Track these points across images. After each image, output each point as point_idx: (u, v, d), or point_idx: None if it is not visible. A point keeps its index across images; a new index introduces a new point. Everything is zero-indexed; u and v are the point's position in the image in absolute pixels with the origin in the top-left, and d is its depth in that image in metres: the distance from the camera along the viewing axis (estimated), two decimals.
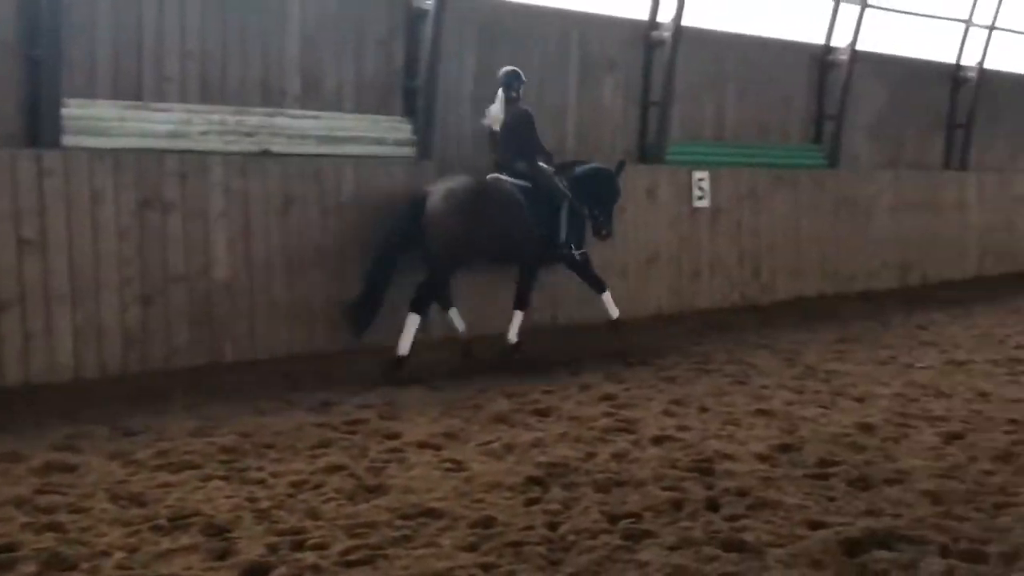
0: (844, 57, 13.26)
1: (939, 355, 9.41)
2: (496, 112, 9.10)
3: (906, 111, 14.81)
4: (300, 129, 8.92)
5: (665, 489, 5.17)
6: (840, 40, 13.30)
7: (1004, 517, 4.82)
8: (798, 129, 13.44)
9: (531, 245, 8.95)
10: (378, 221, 8.82)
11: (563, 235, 9.08)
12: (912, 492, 5.19)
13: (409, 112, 9.59)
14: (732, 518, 4.79)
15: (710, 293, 11.84)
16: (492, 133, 9.18)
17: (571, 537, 4.51)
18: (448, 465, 5.60)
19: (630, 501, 4.99)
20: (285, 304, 8.57)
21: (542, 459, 5.66)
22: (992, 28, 15.16)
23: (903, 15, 14.19)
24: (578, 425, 6.53)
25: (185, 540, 4.41)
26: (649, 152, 11.44)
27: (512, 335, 8.90)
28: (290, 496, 5.04)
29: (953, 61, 15.30)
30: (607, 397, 7.39)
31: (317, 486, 5.19)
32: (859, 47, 13.31)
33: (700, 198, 11.58)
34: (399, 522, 4.66)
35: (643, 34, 11.33)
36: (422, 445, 6.02)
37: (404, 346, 8.17)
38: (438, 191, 8.53)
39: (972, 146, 15.61)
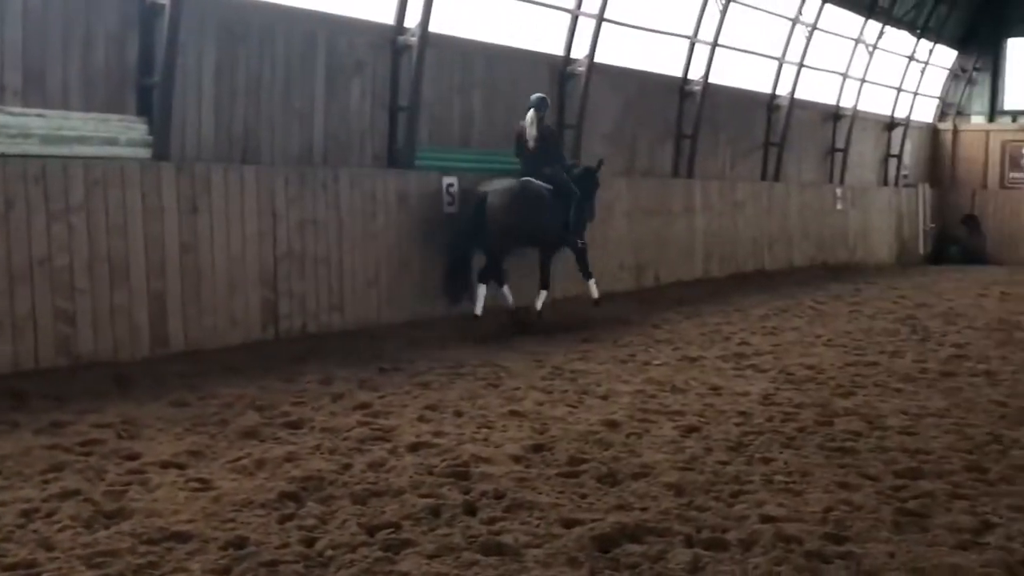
0: (582, 68, 13.79)
1: (673, 352, 9.96)
2: (528, 128, 11.51)
3: (639, 121, 15.61)
4: (22, 127, 8.19)
5: (423, 496, 5.14)
6: (579, 52, 13.82)
7: (740, 505, 5.14)
8: None
9: (555, 234, 11.48)
10: (112, 227, 8.31)
11: (573, 226, 11.62)
12: (656, 485, 5.43)
13: (144, 111, 9.05)
14: (490, 521, 4.83)
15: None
16: (521, 143, 11.62)
17: (329, 552, 4.39)
18: (195, 485, 5.31)
19: (388, 511, 4.93)
20: (3, 316, 7.85)
21: (295, 473, 5.48)
22: (715, 45, 16.26)
23: (636, 30, 14.95)
24: (332, 436, 6.39)
25: None
26: (398, 157, 11.41)
27: (538, 305, 11.53)
28: (20, 527, 4.61)
29: (680, 75, 16.27)
30: (361, 406, 7.28)
31: (49, 514, 4.77)
32: (596, 59, 13.88)
33: (450, 203, 11.68)
34: (143, 548, 4.37)
35: (390, 38, 11.29)
36: (165, 465, 5.68)
37: (479, 308, 10.94)
38: (494, 192, 11.05)
39: (697, 155, 16.66)
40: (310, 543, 4.50)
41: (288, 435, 6.44)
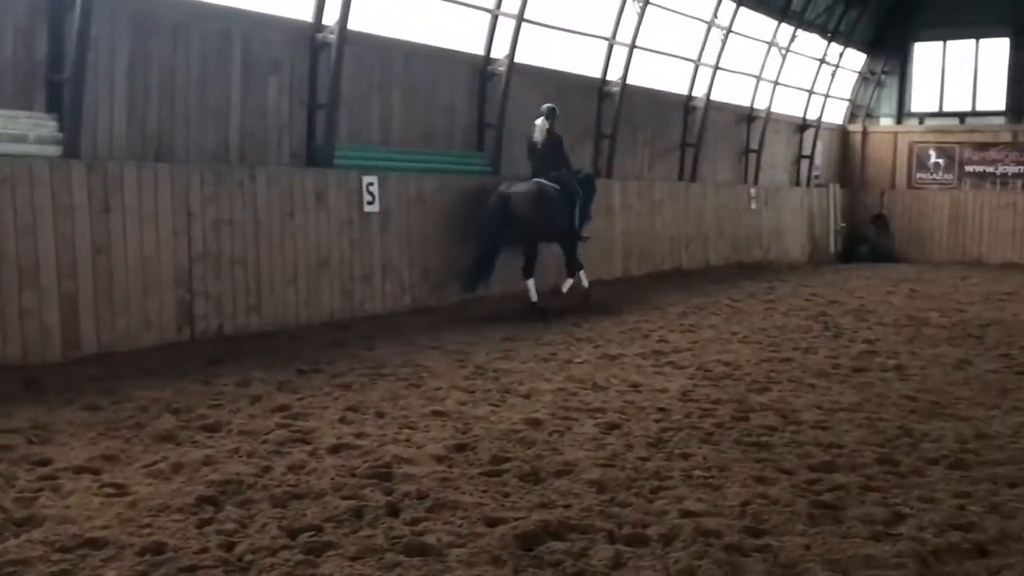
0: (502, 68, 13.81)
1: (594, 350, 10.04)
2: (538, 134, 12.92)
3: (559, 121, 15.68)
4: None
5: (345, 498, 5.10)
6: (499, 52, 13.84)
7: (660, 500, 5.21)
8: (462, 136, 13.83)
9: (564, 230, 13.01)
10: (21, 227, 8.06)
11: (578, 222, 13.30)
12: (579, 482, 5.47)
13: (54, 107, 8.80)
14: (413, 522, 4.81)
15: (382, 297, 11.90)
16: (532, 148, 13.05)
17: (249, 556, 4.32)
18: (109, 490, 5.18)
19: (310, 513, 4.88)
20: None
21: (213, 477, 5.39)
22: (633, 47, 16.43)
23: (555, 31, 15.03)
24: (250, 439, 6.29)
25: None
26: (317, 155, 11.30)
27: (565, 288, 13.35)
28: None
29: (599, 76, 16.41)
30: (280, 408, 7.19)
31: None
32: (516, 59, 13.92)
33: (370, 203, 11.60)
34: (56, 556, 4.25)
35: (308, 35, 11.17)
36: (79, 470, 5.53)
37: (533, 296, 12.56)
38: (516, 194, 12.44)
39: (616, 155, 16.82)
40: (229, 547, 4.43)
41: (205, 438, 6.33)
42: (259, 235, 10.29)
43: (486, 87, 13.91)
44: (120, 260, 8.97)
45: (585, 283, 13.53)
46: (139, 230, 9.14)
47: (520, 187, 12.64)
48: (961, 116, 24.57)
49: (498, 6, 13.65)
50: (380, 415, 7.05)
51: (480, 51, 13.82)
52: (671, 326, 11.89)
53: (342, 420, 6.87)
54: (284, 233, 10.56)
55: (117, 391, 7.49)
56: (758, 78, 21.04)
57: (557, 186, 12.83)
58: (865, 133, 25.79)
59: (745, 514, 5.00)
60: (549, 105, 13.13)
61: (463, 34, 13.75)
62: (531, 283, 12.63)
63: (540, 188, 12.62)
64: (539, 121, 12.96)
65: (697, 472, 5.75)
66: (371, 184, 11.62)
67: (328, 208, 11.15)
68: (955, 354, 10.22)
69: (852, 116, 26.03)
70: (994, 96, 24.07)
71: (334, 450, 6.05)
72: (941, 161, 24.64)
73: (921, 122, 25.13)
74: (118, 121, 9.31)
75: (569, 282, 13.40)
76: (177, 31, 9.81)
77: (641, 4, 16.20)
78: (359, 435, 6.44)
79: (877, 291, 16.61)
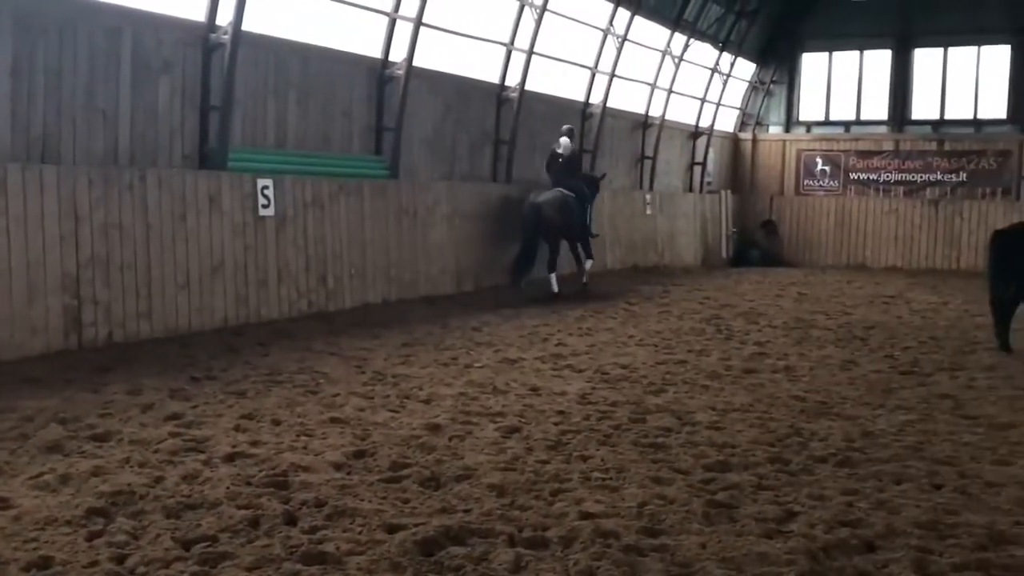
0: (400, 72, 13.75)
1: (494, 354, 10.07)
2: (564, 150, 15.96)
3: (459, 126, 15.72)
4: None
5: (241, 508, 5.01)
6: (397, 55, 13.78)
7: (560, 503, 5.25)
8: (360, 140, 13.72)
9: (580, 229, 15.96)
10: None
11: (591, 224, 16.54)
12: (479, 487, 5.49)
13: None
14: (311, 530, 4.75)
15: (278, 302, 11.71)
16: (553, 161, 16.04)
17: (141, 569, 4.21)
18: None
19: (204, 524, 4.77)
20: None
21: (103, 488, 5.22)
22: (531, 53, 16.54)
23: (454, 35, 15.03)
24: (142, 448, 6.12)
25: None
26: (210, 158, 11.06)
27: (584, 279, 16.30)
28: None
29: (498, 81, 16.48)
30: (173, 416, 7.01)
31: None
32: (415, 63, 13.87)
33: (265, 206, 11.42)
34: None
35: (201, 36, 10.93)
36: None
37: (555, 287, 15.14)
38: (545, 202, 15.13)
39: (515, 160, 16.91)
40: (121, 560, 4.30)
41: (95, 448, 6.13)
42: (150, 239, 10.02)
43: (384, 90, 13.83)
44: (4, 265, 8.63)
45: (586, 279, 16.35)
46: (24, 234, 8.81)
47: (547, 196, 15.26)
48: (846, 125, 25.45)
49: (396, 9, 13.58)
50: (276, 423, 6.94)
51: (378, 54, 13.74)
52: (569, 329, 12.00)
53: (237, 428, 6.73)
54: (176, 237, 10.31)
55: (0, 401, 7.19)
56: (653, 86, 21.41)
57: (573, 194, 15.53)
58: (755, 141, 26.49)
59: (643, 515, 5.08)
60: (569, 126, 16.48)
61: (361, 37, 13.65)
62: (554, 277, 15.22)
63: (564, 197, 15.32)
64: (564, 140, 15.99)
65: (596, 474, 5.82)
66: (266, 187, 11.43)
67: (222, 211, 10.93)
68: (841, 355, 10.57)
69: (743, 124, 26.70)
70: (878, 106, 25.01)
71: (229, 459, 5.93)
72: (827, 168, 25.44)
73: (808, 130, 25.91)
74: (1, 122, 8.97)
75: (589, 263, 16.39)
76: (64, 30, 9.49)
77: (539, 11, 16.33)
78: (254, 443, 6.32)
79: (767, 294, 17.07)
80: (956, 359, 10.48)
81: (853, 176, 25.13)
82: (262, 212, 11.37)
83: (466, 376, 8.85)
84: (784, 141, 26.07)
